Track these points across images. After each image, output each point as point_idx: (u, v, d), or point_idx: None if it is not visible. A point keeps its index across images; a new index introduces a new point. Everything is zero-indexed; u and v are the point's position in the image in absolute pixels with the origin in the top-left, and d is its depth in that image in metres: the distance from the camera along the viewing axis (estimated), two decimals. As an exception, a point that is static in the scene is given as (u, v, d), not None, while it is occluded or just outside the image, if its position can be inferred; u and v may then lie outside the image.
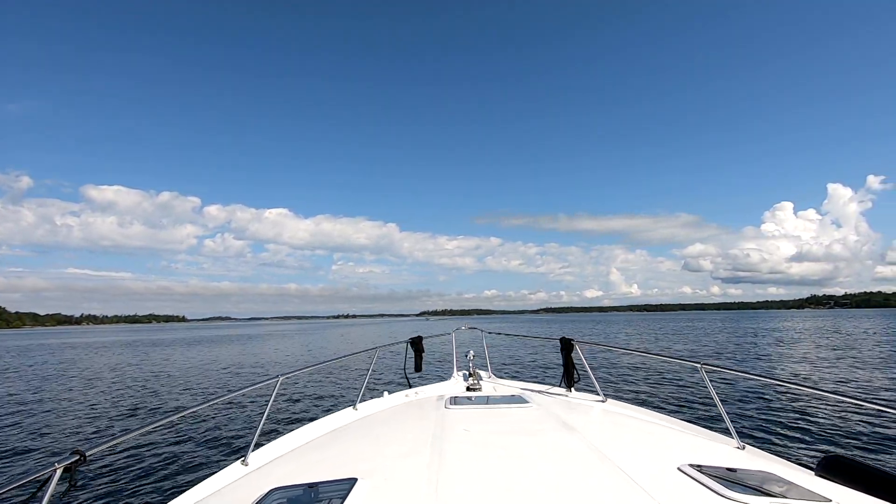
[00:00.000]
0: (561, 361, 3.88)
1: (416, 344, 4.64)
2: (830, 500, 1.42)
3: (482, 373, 4.20)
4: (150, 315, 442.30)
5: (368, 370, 4.04)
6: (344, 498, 1.47)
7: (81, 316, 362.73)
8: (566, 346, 3.86)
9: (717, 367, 2.76)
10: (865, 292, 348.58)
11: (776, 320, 63.53)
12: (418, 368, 4.58)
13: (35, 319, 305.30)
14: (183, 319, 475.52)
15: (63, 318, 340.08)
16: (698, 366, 2.68)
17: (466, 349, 4.13)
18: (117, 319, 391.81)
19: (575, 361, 3.80)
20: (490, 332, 5.31)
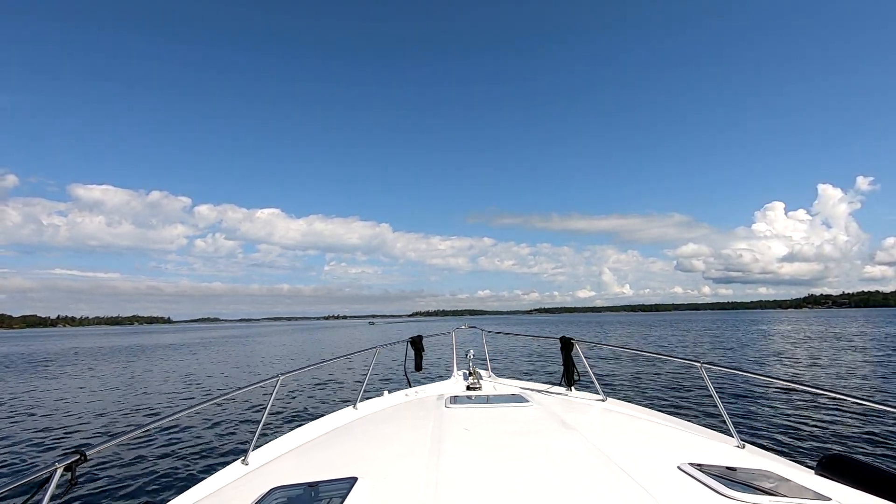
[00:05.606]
0: (561, 360, 3.88)
1: (416, 343, 4.64)
2: (830, 499, 1.42)
3: (482, 372, 4.19)
4: (133, 316, 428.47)
5: (368, 369, 4.05)
6: (344, 497, 1.47)
7: (57, 317, 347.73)
8: (566, 345, 3.85)
9: (717, 365, 2.76)
10: (864, 291, 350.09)
11: (790, 322, 55.63)
12: (418, 368, 4.58)
13: (1, 322, 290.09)
14: (168, 321, 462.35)
15: (37, 319, 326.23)
16: (698, 365, 2.68)
17: (466, 348, 4.13)
18: (98, 321, 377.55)
19: (575, 360, 3.80)
20: (490, 332, 5.31)
